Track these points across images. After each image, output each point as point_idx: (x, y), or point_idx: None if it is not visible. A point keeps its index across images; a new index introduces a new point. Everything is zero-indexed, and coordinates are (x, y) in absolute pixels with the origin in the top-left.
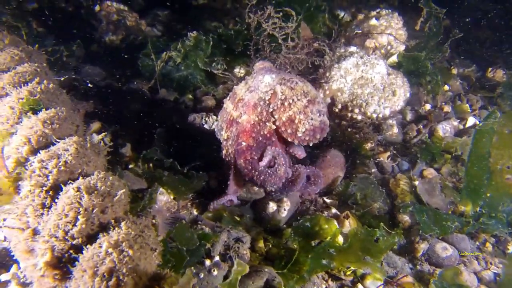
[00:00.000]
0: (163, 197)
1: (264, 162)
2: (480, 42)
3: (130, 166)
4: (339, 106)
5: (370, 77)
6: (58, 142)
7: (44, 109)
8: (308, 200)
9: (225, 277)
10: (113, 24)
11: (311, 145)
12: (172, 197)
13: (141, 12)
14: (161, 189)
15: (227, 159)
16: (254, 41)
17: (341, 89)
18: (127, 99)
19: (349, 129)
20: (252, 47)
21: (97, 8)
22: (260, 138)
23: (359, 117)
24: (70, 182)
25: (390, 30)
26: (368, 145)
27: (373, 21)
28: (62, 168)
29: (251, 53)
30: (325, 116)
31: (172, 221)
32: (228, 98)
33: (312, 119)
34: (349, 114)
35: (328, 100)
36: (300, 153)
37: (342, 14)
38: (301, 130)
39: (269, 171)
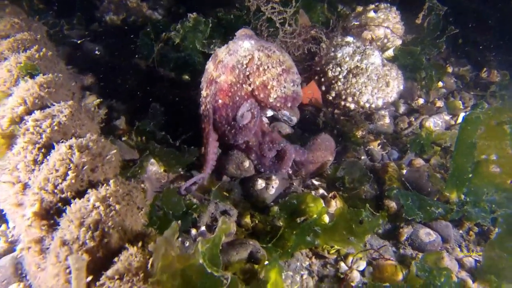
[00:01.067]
0: (153, 167)
1: (239, 113)
2: (476, 43)
3: (124, 138)
4: (333, 94)
5: (365, 67)
6: (54, 105)
7: (41, 74)
8: (296, 180)
9: None
10: (115, 4)
11: (283, 113)
12: (162, 169)
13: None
14: (152, 159)
15: (204, 114)
16: (252, 25)
17: (335, 77)
18: (124, 75)
19: (341, 117)
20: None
21: None
22: (237, 98)
23: (352, 106)
24: (63, 141)
25: (387, 23)
26: (359, 133)
27: (371, 14)
28: (56, 128)
29: None
30: (299, 87)
31: (161, 190)
32: (210, 59)
33: (285, 87)
34: (342, 103)
35: (323, 88)
36: (285, 129)
37: (341, 7)
38: (273, 96)
39: (240, 124)
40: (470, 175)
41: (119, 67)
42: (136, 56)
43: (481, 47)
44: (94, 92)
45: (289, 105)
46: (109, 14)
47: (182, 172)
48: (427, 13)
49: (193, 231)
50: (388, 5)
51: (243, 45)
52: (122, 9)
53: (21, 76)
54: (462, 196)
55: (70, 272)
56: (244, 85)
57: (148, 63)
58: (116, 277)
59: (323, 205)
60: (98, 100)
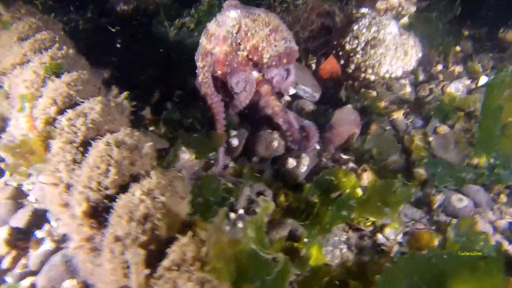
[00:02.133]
0: (185, 155)
1: (234, 80)
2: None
3: (151, 128)
4: (352, 67)
5: (382, 37)
6: (83, 102)
7: (66, 72)
8: (325, 156)
9: None
10: None
11: (280, 71)
12: (194, 156)
13: None
14: (183, 147)
15: (203, 81)
16: (265, 2)
17: (353, 50)
18: (141, 65)
19: (362, 89)
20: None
21: None
22: (235, 65)
23: (372, 77)
24: (98, 138)
25: None
26: (382, 104)
27: None
28: (90, 125)
29: None
30: (292, 42)
31: (196, 177)
32: (202, 34)
33: (276, 45)
34: (362, 75)
35: (342, 61)
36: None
37: None
38: (266, 56)
39: (235, 91)
40: (499, 139)
41: (135, 57)
42: (151, 44)
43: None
44: (115, 84)
45: (284, 61)
46: (119, 4)
47: (212, 157)
48: None
49: (232, 215)
50: None
51: (230, 15)
52: None
53: (47, 76)
54: (492, 160)
55: (126, 267)
56: (238, 52)
57: (164, 51)
58: (174, 267)
59: (356, 178)
60: (126, 93)
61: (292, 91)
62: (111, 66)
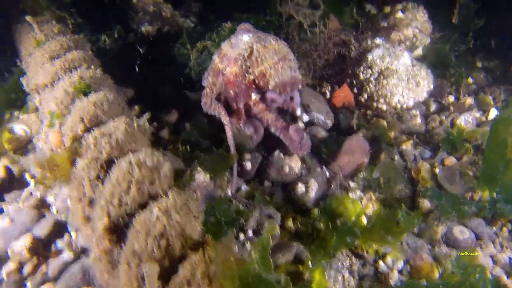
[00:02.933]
0: (200, 176)
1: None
2: (505, 36)
3: (169, 147)
4: (365, 96)
5: (395, 68)
6: (109, 122)
7: (93, 92)
8: (334, 183)
9: None
10: (150, 15)
11: (283, 96)
12: (208, 176)
13: (174, 3)
14: (198, 168)
15: (208, 93)
16: (284, 31)
17: (367, 79)
18: (163, 85)
19: (374, 118)
20: (282, 35)
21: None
22: (243, 86)
23: (384, 107)
24: (121, 157)
25: (415, 23)
26: (392, 134)
27: (399, 14)
28: (114, 144)
29: None
30: (297, 72)
31: (209, 197)
32: (215, 53)
33: (282, 74)
34: (375, 104)
35: (355, 90)
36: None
37: (369, 7)
38: (272, 84)
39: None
40: (502, 174)
41: (157, 77)
42: (173, 66)
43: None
44: (137, 103)
45: (288, 89)
46: (144, 24)
47: (226, 178)
48: (458, 10)
49: (241, 236)
50: (415, 4)
51: (243, 38)
52: (157, 19)
53: (76, 95)
54: (495, 194)
55: (141, 279)
56: (246, 75)
57: (186, 72)
58: (184, 282)
59: (361, 206)
60: (148, 114)
61: (306, 117)
62: (134, 84)
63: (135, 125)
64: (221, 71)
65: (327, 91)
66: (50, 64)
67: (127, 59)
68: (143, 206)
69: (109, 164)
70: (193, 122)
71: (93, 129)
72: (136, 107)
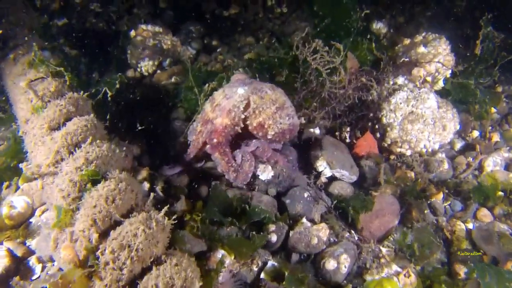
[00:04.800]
0: (226, 260)
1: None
2: None
3: (186, 219)
4: (388, 141)
5: (421, 112)
6: (123, 221)
7: (103, 180)
8: (365, 249)
9: None
10: (150, 49)
11: (281, 144)
12: (232, 257)
13: (173, 29)
14: (222, 251)
15: (194, 143)
16: (301, 73)
17: (390, 124)
18: (171, 139)
19: (398, 164)
20: (299, 79)
21: (132, 33)
22: (229, 137)
23: (408, 152)
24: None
25: (438, 58)
26: (421, 186)
27: (422, 49)
28: (135, 258)
29: (298, 85)
30: (295, 118)
31: (236, 282)
32: (208, 101)
33: (280, 123)
34: (398, 150)
35: (377, 134)
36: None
37: (378, 25)
38: (271, 133)
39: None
40: None
41: (162, 129)
42: (177, 115)
43: None
44: (143, 161)
45: (287, 137)
46: (144, 60)
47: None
48: (482, 41)
49: None
50: (436, 35)
51: (238, 92)
52: (157, 53)
53: (83, 184)
54: None
55: None
56: (236, 127)
57: (194, 119)
58: None
59: (399, 286)
60: (147, 171)
61: (328, 173)
62: (139, 139)
63: (154, 224)
64: (210, 120)
65: (346, 136)
66: (51, 139)
67: (130, 112)
68: None
69: (132, 285)
70: (212, 191)
71: (109, 235)
72: (144, 171)
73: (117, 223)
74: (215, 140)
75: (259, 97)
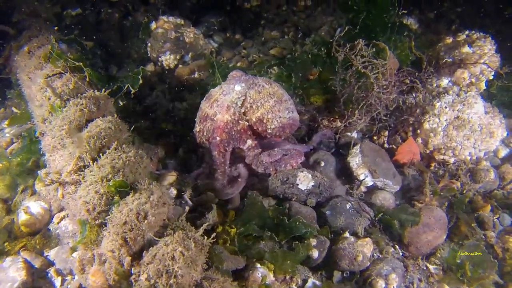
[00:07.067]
0: (267, 279)
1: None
2: None
3: (218, 230)
4: (431, 148)
5: (467, 117)
6: (158, 240)
7: (132, 191)
8: (411, 267)
9: None
10: (171, 42)
11: (283, 138)
12: (272, 274)
13: (194, 20)
14: (261, 269)
15: (201, 145)
16: (338, 77)
17: (434, 130)
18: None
19: (441, 173)
20: (338, 82)
21: (153, 25)
22: (233, 133)
23: (452, 160)
24: None
25: (484, 59)
26: (468, 198)
27: (466, 49)
28: (174, 286)
29: (337, 88)
30: (294, 112)
31: None
32: (204, 99)
33: (280, 116)
34: (441, 157)
35: (419, 140)
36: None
37: (409, 21)
38: (271, 127)
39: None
40: None
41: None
42: None
43: None
44: (169, 166)
45: (287, 131)
46: (165, 54)
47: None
48: None
49: None
50: (481, 34)
51: (235, 89)
52: (179, 46)
53: (109, 196)
54: None
55: None
56: (240, 121)
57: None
58: None
59: None
60: (174, 176)
61: (369, 181)
62: (163, 141)
63: (193, 245)
64: (209, 117)
65: (384, 140)
66: (71, 143)
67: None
68: None
69: None
70: (248, 201)
71: (143, 258)
72: (171, 175)
73: (150, 243)
74: (218, 138)
75: (257, 92)
